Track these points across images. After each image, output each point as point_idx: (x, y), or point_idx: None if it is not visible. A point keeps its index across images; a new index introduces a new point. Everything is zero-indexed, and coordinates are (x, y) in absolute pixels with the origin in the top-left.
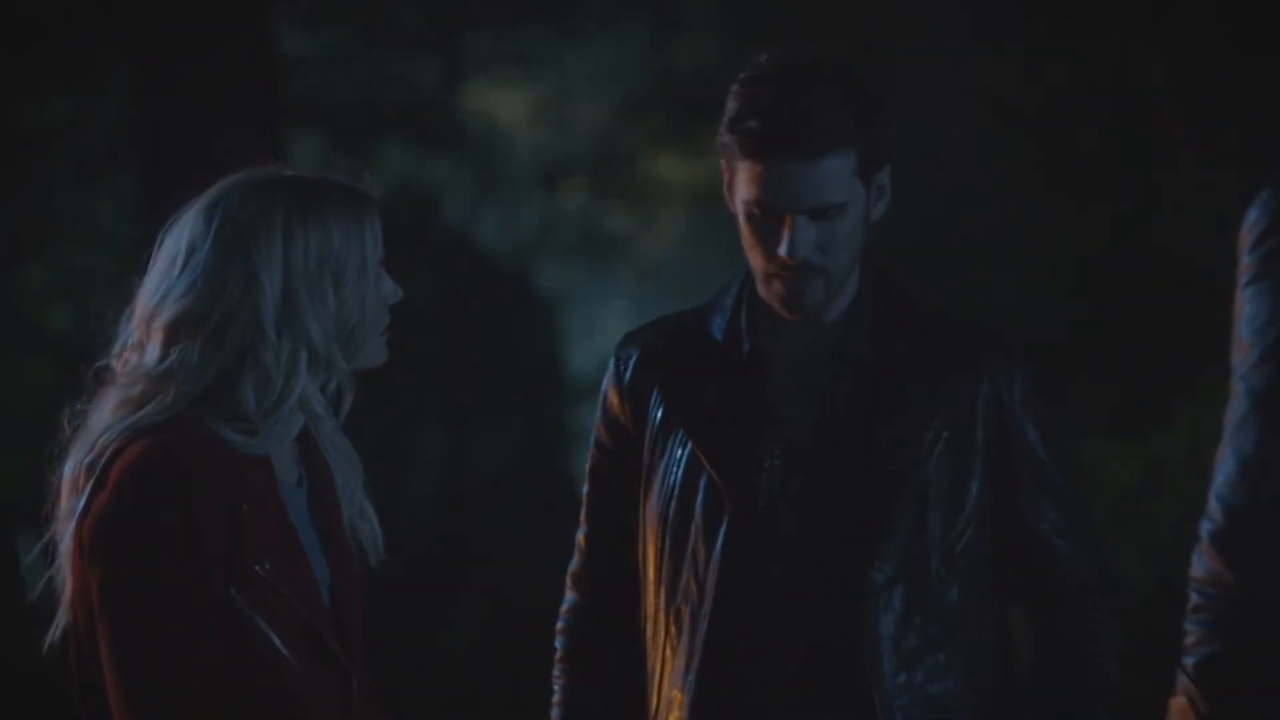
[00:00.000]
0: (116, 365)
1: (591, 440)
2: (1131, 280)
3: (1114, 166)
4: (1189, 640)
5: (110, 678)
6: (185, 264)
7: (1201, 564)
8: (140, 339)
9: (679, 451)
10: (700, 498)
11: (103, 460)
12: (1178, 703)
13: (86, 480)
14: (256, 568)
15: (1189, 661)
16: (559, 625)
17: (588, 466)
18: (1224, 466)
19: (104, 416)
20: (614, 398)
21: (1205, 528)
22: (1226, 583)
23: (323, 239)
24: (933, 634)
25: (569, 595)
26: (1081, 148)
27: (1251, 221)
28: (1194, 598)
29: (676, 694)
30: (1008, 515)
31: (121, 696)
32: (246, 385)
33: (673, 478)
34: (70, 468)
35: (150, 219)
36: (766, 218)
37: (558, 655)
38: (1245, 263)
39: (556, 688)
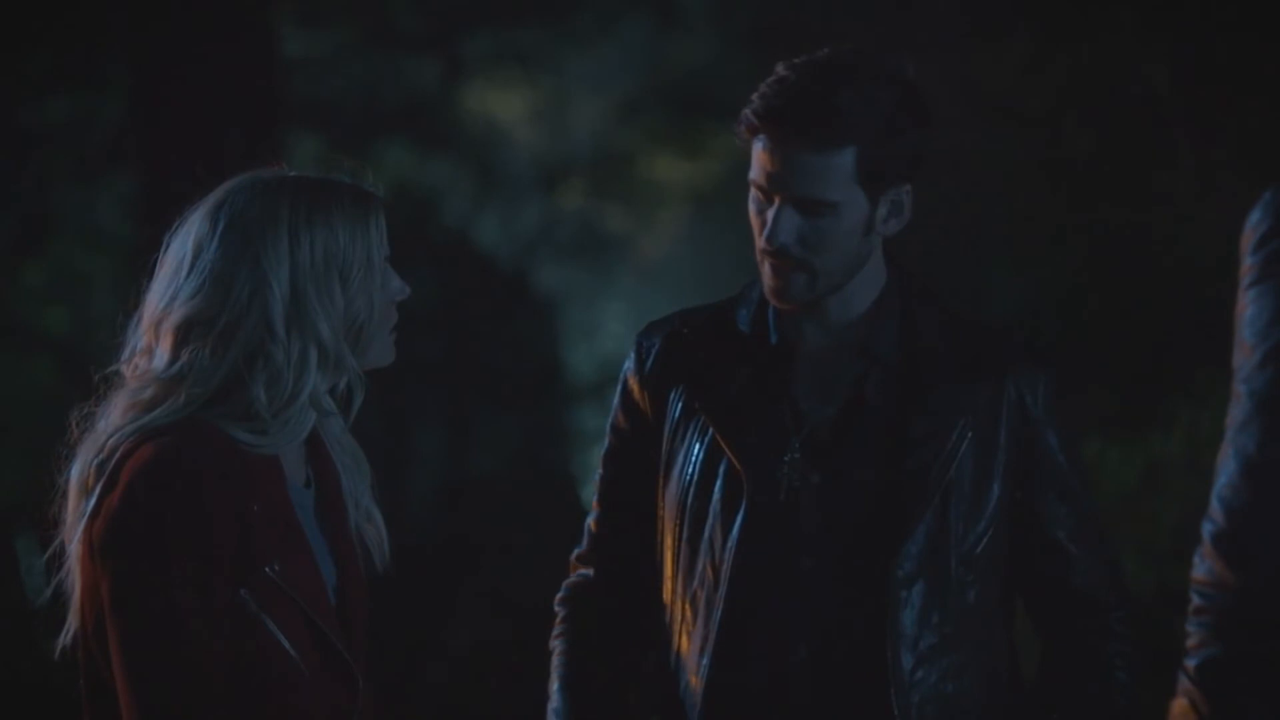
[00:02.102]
0: (126, 370)
1: (608, 426)
2: (1131, 280)
3: (1114, 167)
4: (1190, 642)
5: (120, 679)
6: (192, 266)
7: (1203, 566)
8: (149, 343)
9: (699, 439)
10: (719, 484)
11: (113, 461)
12: (1179, 705)
13: (96, 481)
14: (266, 569)
15: (1190, 663)
16: (560, 596)
17: (603, 453)
18: (1226, 468)
19: (113, 419)
20: (634, 384)
21: (1207, 529)
22: (1228, 584)
23: (329, 237)
24: (949, 633)
25: (573, 574)
26: (1082, 148)
27: (1254, 223)
28: (1195, 599)
29: (692, 679)
30: (1024, 519)
31: (131, 698)
32: (258, 384)
33: (692, 464)
34: (78, 469)
35: (150, 219)
36: (764, 200)
37: (558, 619)
38: (1248, 264)
39: (555, 648)
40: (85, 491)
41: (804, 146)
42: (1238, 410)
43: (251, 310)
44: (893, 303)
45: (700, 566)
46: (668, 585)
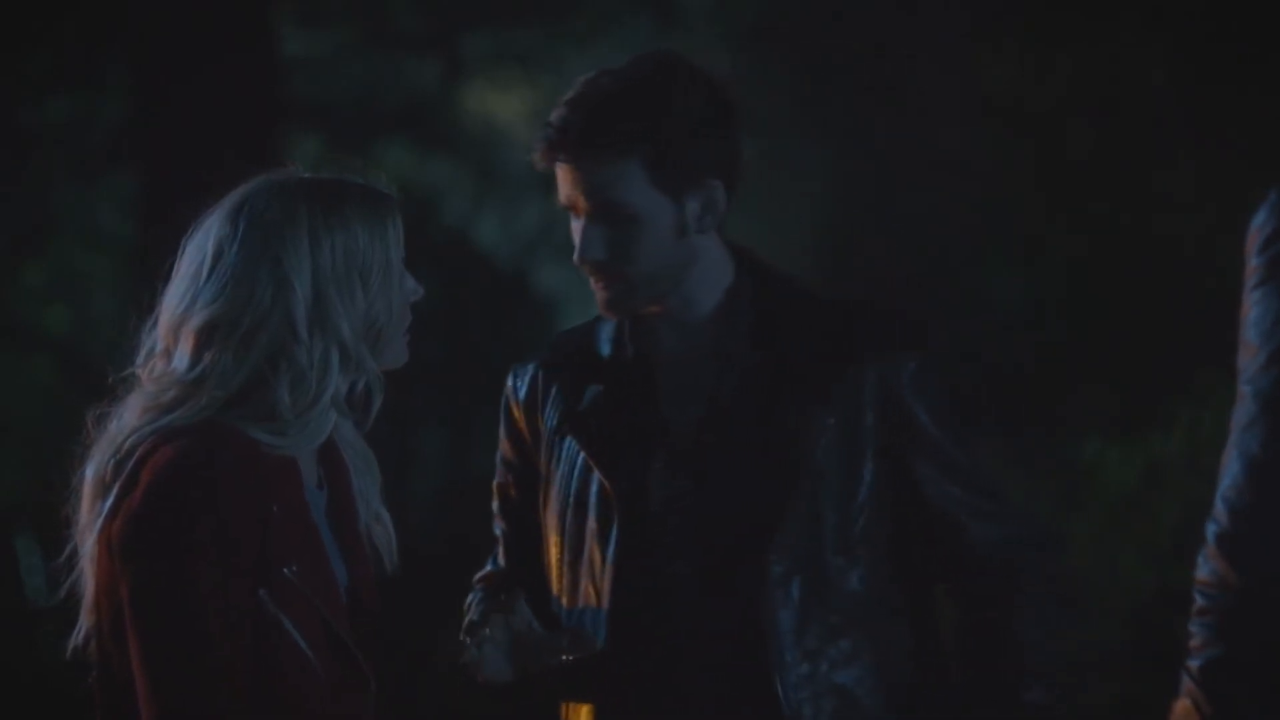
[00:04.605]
0: (142, 374)
1: (497, 458)
2: (1131, 280)
3: (1114, 167)
4: (1193, 643)
5: (140, 679)
6: (212, 269)
7: (1206, 566)
8: (167, 346)
9: (572, 460)
10: (593, 503)
11: (131, 461)
12: (1181, 705)
13: (113, 480)
14: (285, 570)
15: (1193, 664)
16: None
17: (495, 483)
18: (1230, 469)
19: (128, 420)
20: (515, 413)
21: (1211, 530)
22: (1231, 585)
23: (349, 239)
24: (834, 623)
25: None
26: (1081, 148)
27: (1259, 223)
28: (1198, 600)
29: (584, 698)
30: (909, 498)
31: (151, 697)
32: (281, 386)
33: (568, 486)
34: (94, 469)
35: (150, 219)
36: (575, 217)
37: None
38: (1253, 265)
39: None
40: (101, 491)
41: (587, 161)
42: (1242, 411)
43: (274, 312)
44: (742, 299)
45: (583, 587)
46: (554, 607)
